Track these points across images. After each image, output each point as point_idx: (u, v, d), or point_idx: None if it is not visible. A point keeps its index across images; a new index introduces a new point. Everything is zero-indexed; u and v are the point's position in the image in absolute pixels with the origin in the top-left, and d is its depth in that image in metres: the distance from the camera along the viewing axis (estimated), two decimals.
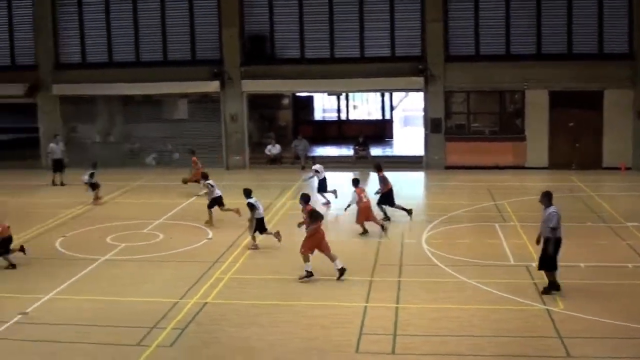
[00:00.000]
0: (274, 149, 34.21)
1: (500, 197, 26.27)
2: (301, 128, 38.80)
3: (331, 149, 37.58)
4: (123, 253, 20.16)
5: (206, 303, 15.89)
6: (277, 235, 20.14)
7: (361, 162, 33.36)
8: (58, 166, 30.85)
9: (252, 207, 20.16)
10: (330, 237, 19.88)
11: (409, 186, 30.37)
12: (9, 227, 19.22)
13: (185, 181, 28.13)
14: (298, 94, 39.92)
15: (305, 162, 33.15)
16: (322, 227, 17.72)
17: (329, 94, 41.84)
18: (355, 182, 22.21)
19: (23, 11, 35.48)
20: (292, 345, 13.63)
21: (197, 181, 26.96)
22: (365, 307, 15.48)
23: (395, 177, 31.32)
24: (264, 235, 20.50)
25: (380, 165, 24.32)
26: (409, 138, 39.93)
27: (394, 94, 41.75)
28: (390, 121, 42.78)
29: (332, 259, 17.45)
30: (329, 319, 14.87)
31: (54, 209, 25.87)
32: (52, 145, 31.54)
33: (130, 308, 15.80)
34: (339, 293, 16.39)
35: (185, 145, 34.58)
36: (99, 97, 35.96)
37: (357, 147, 34.85)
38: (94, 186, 26.80)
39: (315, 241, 17.40)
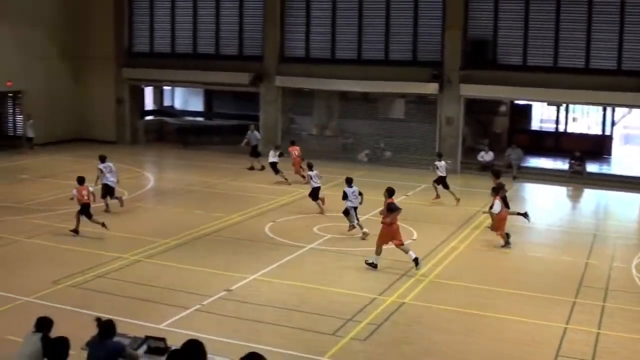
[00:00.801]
0: (486, 156, 33.64)
1: None
2: (516, 137, 37.92)
3: (545, 161, 36.45)
4: (328, 244, 20.67)
5: (404, 303, 16.00)
6: (364, 235, 21.17)
7: (575, 178, 32.15)
8: (254, 153, 32.84)
9: (344, 195, 21.60)
10: (533, 252, 19.54)
11: (624, 207, 28.97)
12: (89, 194, 21.29)
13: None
14: (516, 102, 39.06)
15: (518, 172, 32.41)
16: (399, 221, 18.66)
17: (548, 104, 40.57)
18: (495, 191, 21.59)
19: (254, 4, 37.05)
20: (482, 357, 13.47)
21: (297, 172, 29.62)
22: (565, 328, 14.97)
23: (610, 197, 30.16)
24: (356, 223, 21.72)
25: (499, 172, 23.74)
26: (628, 157, 38.05)
27: (617, 109, 39.88)
28: (610, 137, 40.89)
29: (406, 250, 18.35)
30: (525, 335, 14.53)
31: (267, 195, 26.92)
32: (248, 132, 33.45)
33: (329, 298, 16.22)
34: (539, 311, 15.92)
35: (398, 144, 34.84)
36: (318, 92, 36.96)
37: (572, 161, 33.57)
38: (275, 168, 29.08)
39: (390, 233, 18.25)
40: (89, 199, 21.25)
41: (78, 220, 20.98)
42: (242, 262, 18.80)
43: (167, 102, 47.09)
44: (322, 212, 24.36)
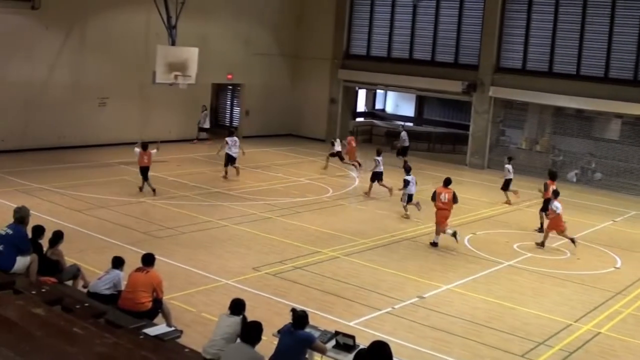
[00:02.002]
0: None
1: None
2: None
3: None
4: (526, 262, 20.17)
5: (599, 333, 15.33)
6: (418, 205, 24.06)
7: None
8: (403, 152, 35.13)
9: (406, 182, 24.19)
10: None
11: None
12: (149, 159, 24.69)
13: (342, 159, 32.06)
14: None
15: None
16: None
17: None
18: (556, 194, 22.13)
19: (473, 12, 36.71)
20: None
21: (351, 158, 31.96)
22: None
23: None
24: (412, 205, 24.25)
25: (555, 173, 25.08)
26: None
27: None
28: None
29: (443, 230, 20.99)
30: None
31: (470, 206, 26.60)
32: (402, 133, 35.76)
33: (522, 318, 15.83)
34: None
35: (611, 167, 33.35)
36: (532, 105, 36.06)
37: None
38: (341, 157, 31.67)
39: (441, 216, 20.94)
40: (148, 162, 24.68)
41: (142, 182, 24.83)
42: (437, 270, 18.76)
43: (378, 106, 47.72)
44: (390, 192, 26.77)
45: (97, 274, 13.95)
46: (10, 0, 29.63)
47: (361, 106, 45.59)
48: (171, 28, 30.02)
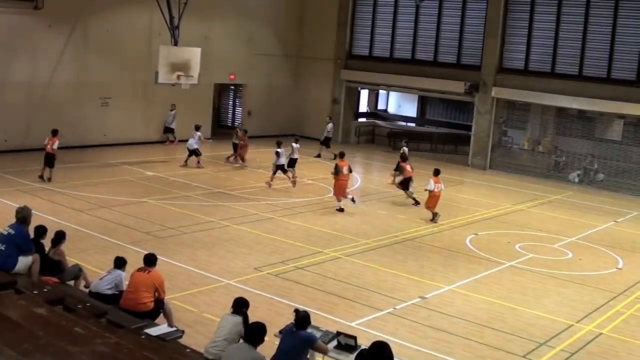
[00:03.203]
0: None
1: None
2: None
3: None
4: (528, 263, 20.15)
5: (601, 334, 15.31)
6: (294, 182, 27.25)
7: None
8: (325, 142, 36.13)
9: (277, 154, 27.26)
10: None
11: None
12: (52, 147, 24.83)
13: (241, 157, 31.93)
14: None
15: None
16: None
17: None
18: (436, 172, 24.64)
19: (476, 13, 36.67)
20: None
21: (241, 157, 31.91)
22: None
23: None
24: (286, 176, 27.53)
25: (406, 156, 27.72)
26: None
27: None
28: None
29: (345, 196, 24.28)
30: None
31: (473, 207, 26.63)
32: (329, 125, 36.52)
33: (524, 319, 15.82)
34: None
35: (613, 167, 33.34)
36: (534, 105, 36.05)
37: None
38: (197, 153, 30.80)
39: (339, 187, 24.32)
40: (52, 150, 25.06)
41: (43, 169, 25.16)
42: (439, 271, 18.75)
43: (381, 106, 47.69)
44: (293, 184, 27.53)
45: (99, 274, 13.98)
46: (13, 0, 29.66)
47: (364, 106, 45.53)
48: (174, 28, 30.02)
